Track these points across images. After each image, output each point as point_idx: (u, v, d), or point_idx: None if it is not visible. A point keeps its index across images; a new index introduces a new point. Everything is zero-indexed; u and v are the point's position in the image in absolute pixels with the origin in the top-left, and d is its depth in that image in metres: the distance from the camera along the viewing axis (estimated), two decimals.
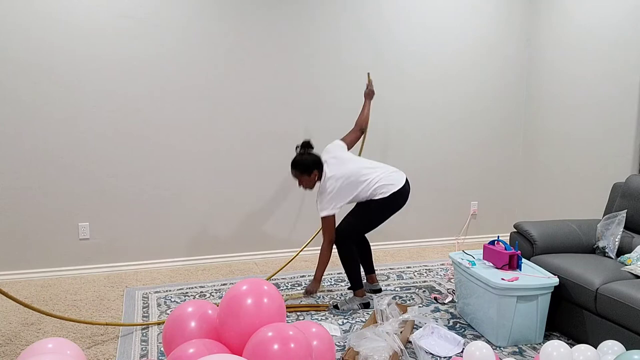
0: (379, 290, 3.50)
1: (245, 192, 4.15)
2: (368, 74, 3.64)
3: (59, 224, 3.76)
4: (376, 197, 3.14)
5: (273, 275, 3.69)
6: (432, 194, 4.65)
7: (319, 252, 3.24)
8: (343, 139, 3.40)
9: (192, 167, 4.00)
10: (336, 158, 3.23)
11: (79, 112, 3.70)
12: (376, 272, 3.68)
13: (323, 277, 3.75)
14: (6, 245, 3.68)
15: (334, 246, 3.23)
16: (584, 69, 4.13)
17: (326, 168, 3.17)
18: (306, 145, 3.23)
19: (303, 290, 3.40)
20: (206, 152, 4.02)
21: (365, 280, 3.50)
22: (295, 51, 4.12)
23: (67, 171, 3.73)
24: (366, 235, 3.45)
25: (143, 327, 2.94)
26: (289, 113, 4.17)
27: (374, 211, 3.19)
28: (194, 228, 4.07)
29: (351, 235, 3.23)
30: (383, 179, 3.15)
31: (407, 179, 3.23)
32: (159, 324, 2.97)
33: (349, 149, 3.37)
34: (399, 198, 3.17)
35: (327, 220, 3.14)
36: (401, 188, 3.16)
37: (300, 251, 3.91)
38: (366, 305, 3.22)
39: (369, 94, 3.62)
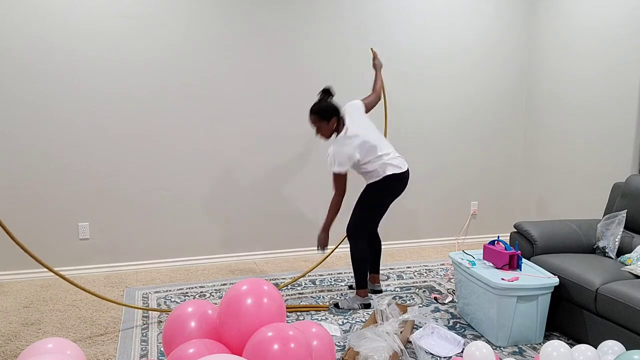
0: (380, 291, 3.50)
1: (246, 192, 4.15)
2: (372, 49, 3.61)
3: (59, 224, 3.76)
4: (379, 177, 3.14)
5: (297, 279, 3.66)
6: (432, 194, 4.65)
7: (330, 203, 3.15)
8: (362, 100, 3.36)
9: (192, 167, 4.00)
10: (359, 116, 3.20)
11: (79, 112, 3.70)
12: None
13: (323, 277, 3.76)
14: (6, 245, 3.68)
15: (347, 241, 3.23)
16: (584, 69, 4.13)
17: (349, 121, 3.13)
18: (327, 92, 3.18)
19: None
20: (206, 152, 4.02)
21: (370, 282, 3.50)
22: (296, 51, 4.12)
23: (67, 171, 3.73)
24: (379, 235, 3.45)
25: (143, 327, 2.94)
26: (290, 113, 4.17)
27: (374, 195, 3.20)
28: (194, 228, 4.07)
29: (361, 230, 3.23)
30: (392, 160, 3.16)
31: (408, 168, 3.25)
32: (161, 311, 2.98)
33: (367, 111, 3.32)
34: (400, 181, 3.19)
35: (339, 177, 3.09)
36: (404, 172, 3.19)
37: (329, 255, 3.85)
38: (367, 306, 3.22)
39: (378, 66, 3.58)
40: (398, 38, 4.35)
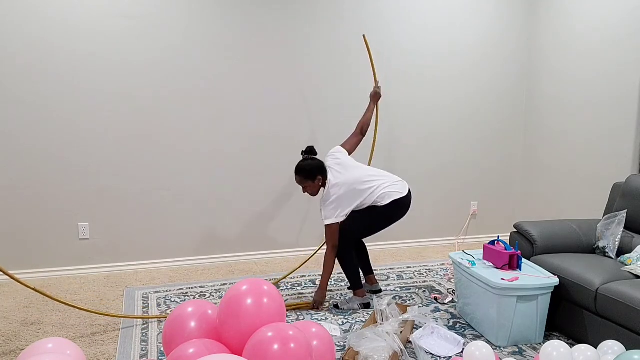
0: (379, 291, 3.50)
1: (245, 192, 4.15)
2: (364, 36, 3.55)
3: (59, 224, 3.76)
4: (379, 205, 3.13)
5: (282, 280, 3.68)
6: (432, 194, 4.65)
7: (323, 259, 3.20)
8: (343, 145, 3.38)
9: (192, 167, 4.00)
10: (340, 165, 3.22)
11: (79, 112, 3.70)
12: (376, 272, 3.69)
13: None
14: (6, 245, 3.68)
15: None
16: (584, 69, 4.13)
17: (330, 175, 3.17)
18: (310, 152, 3.24)
19: (312, 301, 3.24)
20: (206, 152, 4.02)
21: (364, 282, 3.50)
22: (296, 51, 4.12)
23: (67, 171, 3.73)
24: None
25: (143, 327, 2.94)
26: (290, 113, 4.17)
27: (375, 218, 3.19)
28: (194, 228, 4.07)
29: (350, 240, 3.22)
30: (387, 187, 3.15)
31: (409, 190, 3.23)
32: (159, 318, 2.98)
33: (350, 154, 3.35)
34: (402, 206, 3.18)
35: (331, 228, 3.13)
36: (404, 197, 3.17)
37: (310, 258, 3.87)
38: (367, 306, 3.22)
39: (375, 96, 3.59)
40: (398, 38, 4.35)
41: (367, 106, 3.58)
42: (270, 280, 3.66)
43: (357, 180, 3.14)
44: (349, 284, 3.60)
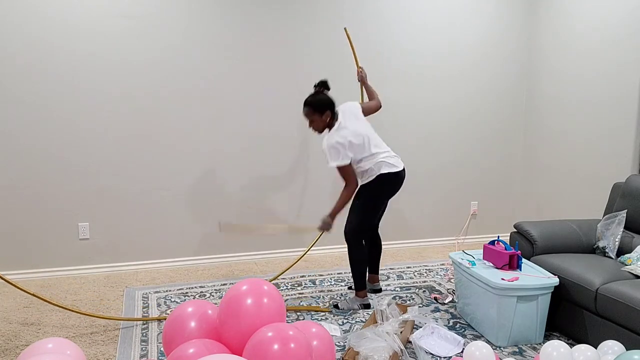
0: (379, 290, 3.50)
1: (245, 191, 4.15)
2: (345, 28, 3.52)
3: (59, 224, 3.76)
4: (370, 179, 3.12)
5: (278, 276, 3.68)
6: (432, 194, 4.65)
7: (340, 194, 3.11)
8: (360, 103, 3.31)
9: (192, 167, 4.00)
10: (354, 115, 3.14)
11: (79, 112, 3.70)
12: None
13: (323, 277, 3.76)
14: (6, 245, 3.68)
15: (345, 244, 3.22)
16: (584, 69, 4.13)
17: (342, 117, 3.09)
18: (323, 85, 3.15)
19: (319, 227, 3.19)
20: (206, 152, 4.02)
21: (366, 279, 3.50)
22: (296, 51, 4.12)
23: (67, 171, 3.73)
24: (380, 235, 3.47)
25: (143, 327, 2.94)
26: (290, 113, 4.16)
27: (368, 197, 3.17)
28: (194, 228, 4.07)
29: (359, 234, 3.20)
30: (387, 159, 3.13)
31: (404, 167, 3.23)
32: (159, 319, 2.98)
33: (365, 114, 3.25)
34: (395, 181, 3.17)
35: (344, 169, 3.05)
36: (400, 171, 3.16)
37: (305, 254, 3.88)
38: (367, 306, 3.22)
39: (364, 77, 3.52)
40: (398, 38, 4.35)
41: (365, 90, 3.53)
42: (281, 280, 3.66)
43: (366, 136, 3.08)
44: (348, 284, 3.62)
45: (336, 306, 3.23)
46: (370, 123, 3.25)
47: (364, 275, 3.25)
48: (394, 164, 3.15)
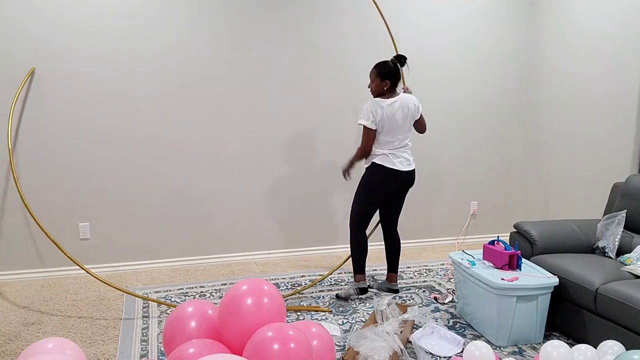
0: (396, 291, 3.50)
1: (246, 191, 4.15)
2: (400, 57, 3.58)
3: (59, 224, 3.76)
4: (368, 164, 3.29)
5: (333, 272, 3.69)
6: (432, 194, 4.65)
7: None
8: (421, 113, 3.41)
9: (192, 167, 4.00)
10: (407, 105, 3.25)
11: (79, 112, 3.70)
12: (376, 272, 3.72)
13: (323, 278, 3.76)
14: (6, 245, 3.68)
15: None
16: (584, 69, 4.13)
17: (397, 98, 3.23)
18: (400, 59, 3.29)
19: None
20: (206, 152, 4.02)
21: (384, 279, 3.59)
22: (296, 51, 4.12)
23: (67, 171, 3.73)
24: (399, 233, 3.57)
25: (143, 327, 2.94)
26: (290, 113, 4.17)
27: (362, 184, 3.33)
28: (194, 228, 4.07)
29: (358, 221, 3.34)
30: (391, 155, 3.24)
31: (413, 171, 3.32)
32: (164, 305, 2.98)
33: (419, 119, 3.37)
34: (388, 176, 3.24)
35: (365, 131, 3.21)
36: (396, 170, 3.24)
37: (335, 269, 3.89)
38: (363, 290, 3.32)
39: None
40: (398, 38, 4.34)
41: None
42: (281, 280, 3.66)
43: (398, 127, 3.22)
44: (348, 286, 3.62)
45: (337, 296, 3.34)
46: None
47: (361, 259, 3.36)
48: (394, 162, 3.23)
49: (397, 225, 3.53)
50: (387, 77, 3.22)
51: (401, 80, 3.35)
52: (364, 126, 3.20)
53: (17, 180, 3.38)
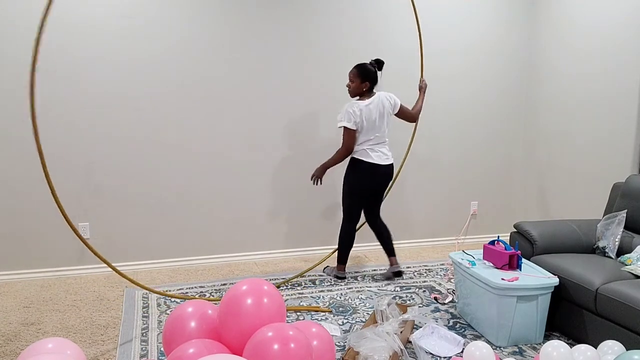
0: (400, 273, 3.72)
1: (246, 192, 4.15)
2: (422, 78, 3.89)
3: (59, 224, 3.75)
4: (348, 160, 3.51)
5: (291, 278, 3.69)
6: (432, 194, 4.65)
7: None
8: (401, 104, 3.59)
9: (192, 167, 4.00)
10: (382, 103, 3.45)
11: (79, 112, 3.70)
12: (376, 272, 3.76)
13: (323, 277, 3.76)
14: (6, 245, 3.68)
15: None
16: (584, 69, 4.13)
17: (373, 99, 3.43)
18: (379, 63, 3.49)
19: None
20: (206, 152, 4.02)
21: (387, 269, 3.78)
22: (296, 51, 4.12)
23: (67, 171, 3.72)
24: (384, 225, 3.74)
25: (143, 327, 2.94)
26: (290, 113, 4.17)
27: (346, 179, 3.54)
28: (194, 228, 4.07)
29: (347, 214, 3.60)
30: (369, 150, 3.45)
31: (392, 165, 3.55)
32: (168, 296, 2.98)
33: (397, 114, 3.58)
34: (369, 170, 3.45)
35: (345, 132, 3.41)
36: (375, 164, 3.44)
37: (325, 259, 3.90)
38: (339, 278, 3.68)
39: (423, 88, 3.86)
40: (398, 38, 4.35)
41: (418, 99, 3.80)
42: (281, 280, 3.66)
43: (375, 126, 3.43)
44: (347, 285, 3.62)
45: (327, 267, 3.76)
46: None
47: (345, 252, 3.66)
48: (372, 156, 3.45)
49: (380, 212, 3.71)
50: (368, 79, 3.42)
51: (377, 84, 3.54)
52: (345, 127, 3.39)
53: (49, 176, 3.38)
